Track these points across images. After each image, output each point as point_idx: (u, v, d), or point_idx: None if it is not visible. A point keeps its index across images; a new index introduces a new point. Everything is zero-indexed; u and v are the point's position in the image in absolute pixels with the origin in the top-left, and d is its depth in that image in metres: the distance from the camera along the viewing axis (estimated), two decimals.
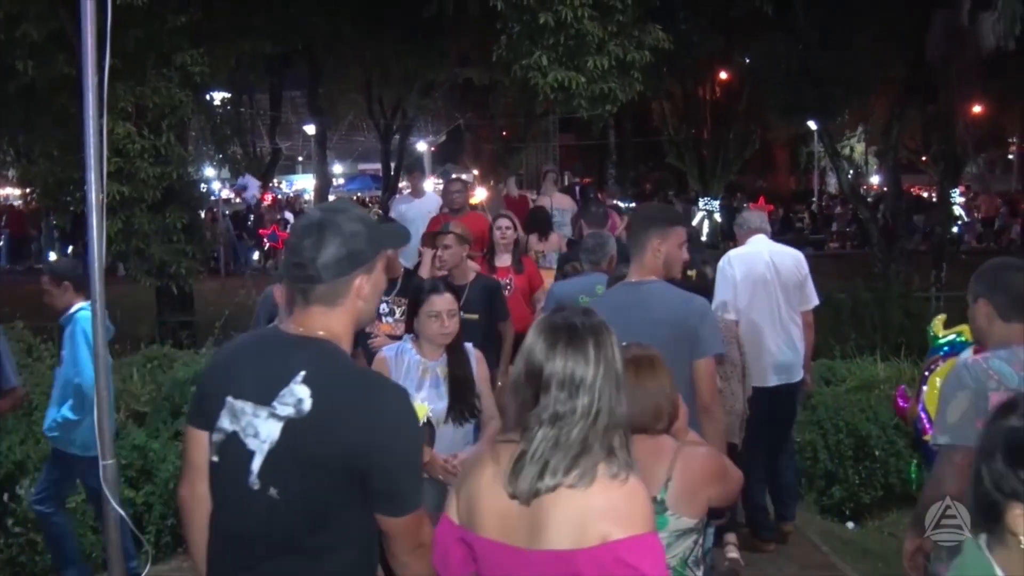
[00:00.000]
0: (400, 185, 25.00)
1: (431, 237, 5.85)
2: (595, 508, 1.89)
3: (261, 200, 28.74)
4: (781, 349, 5.26)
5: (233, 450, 2.16)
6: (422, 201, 8.60)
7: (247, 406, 2.16)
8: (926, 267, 13.94)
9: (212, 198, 22.10)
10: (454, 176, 8.00)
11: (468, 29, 13.90)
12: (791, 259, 5.43)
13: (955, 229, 24.41)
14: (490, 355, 4.61)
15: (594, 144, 28.68)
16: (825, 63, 13.41)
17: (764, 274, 5.24)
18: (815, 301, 5.46)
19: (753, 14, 11.62)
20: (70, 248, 23.24)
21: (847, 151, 29.28)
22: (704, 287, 4.73)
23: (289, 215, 25.51)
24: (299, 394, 2.10)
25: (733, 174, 28.21)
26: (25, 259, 24.12)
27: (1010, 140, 32.23)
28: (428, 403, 3.75)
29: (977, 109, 21.69)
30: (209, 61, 9.66)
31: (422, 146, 33.00)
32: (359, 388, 2.17)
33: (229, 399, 2.18)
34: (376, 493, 2.10)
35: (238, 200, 27.91)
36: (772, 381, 5.20)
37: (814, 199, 32.03)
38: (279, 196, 32.33)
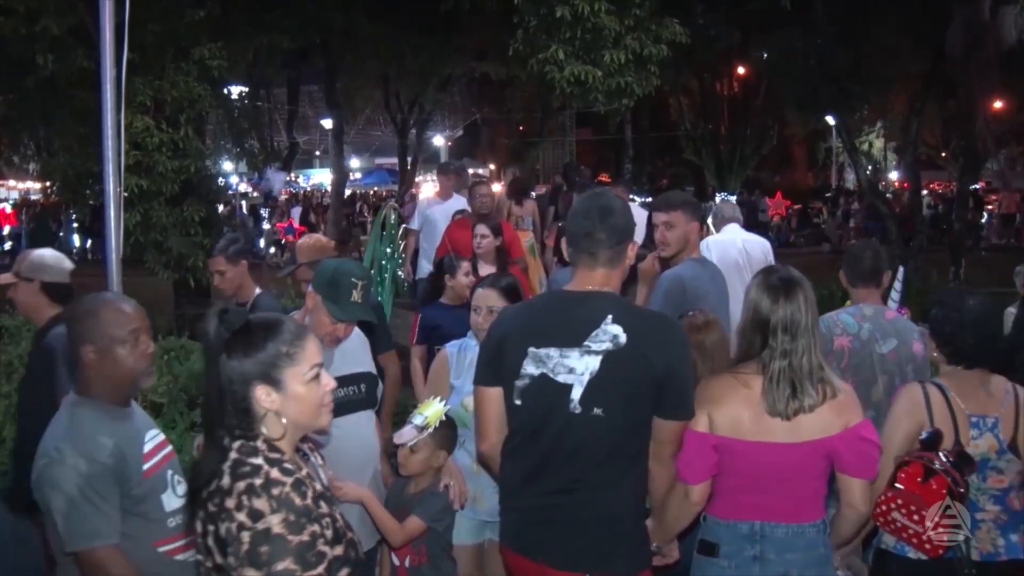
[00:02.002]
0: (417, 180, 25.11)
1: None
2: (836, 407, 2.74)
3: (283, 193, 28.89)
4: None
5: (545, 388, 2.68)
6: (446, 205, 8.43)
7: (551, 351, 2.67)
8: (945, 263, 13.84)
9: (230, 192, 22.19)
10: (481, 181, 7.78)
11: (484, 23, 13.91)
12: (760, 247, 6.10)
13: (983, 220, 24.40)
14: None
15: (611, 139, 28.63)
16: (843, 58, 13.34)
17: (737, 259, 5.80)
18: None
19: (771, 8, 11.54)
20: (90, 241, 23.43)
21: (866, 147, 29.13)
22: None
23: (297, 210, 25.66)
24: (613, 331, 2.64)
25: (750, 169, 28.13)
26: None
27: None
28: None
29: (998, 105, 21.52)
30: (227, 55, 9.67)
31: (439, 140, 33.06)
32: (657, 322, 2.78)
33: (531, 349, 2.70)
34: (671, 401, 2.67)
35: (255, 194, 28.04)
36: None
37: (830, 194, 31.81)
38: (294, 191, 32.47)
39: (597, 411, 2.63)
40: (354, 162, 34.71)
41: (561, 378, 2.66)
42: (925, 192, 27.77)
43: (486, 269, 5.92)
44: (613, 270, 2.74)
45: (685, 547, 3.01)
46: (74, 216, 21.13)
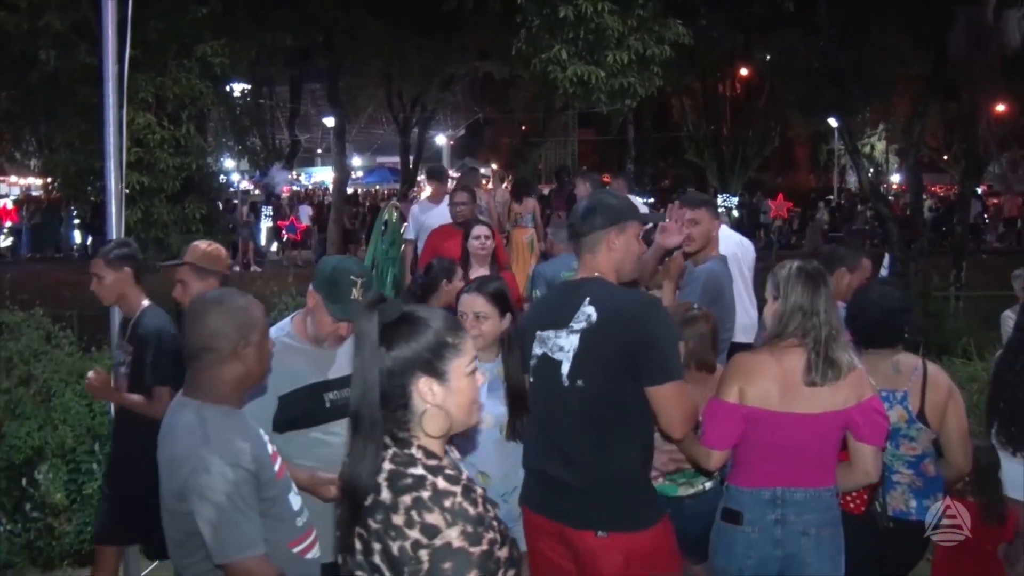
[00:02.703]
0: (420, 178, 25.09)
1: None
2: (855, 381, 3.05)
3: (283, 191, 28.90)
4: (747, 312, 5.97)
5: (545, 365, 3.05)
6: (441, 209, 8.36)
7: (550, 333, 3.05)
8: (946, 266, 13.83)
9: (231, 189, 22.17)
10: (460, 186, 7.41)
11: (488, 23, 13.90)
12: (749, 244, 6.44)
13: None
14: None
15: (613, 139, 28.63)
16: (845, 60, 13.30)
17: (736, 251, 5.97)
18: None
19: (774, 9, 11.53)
20: (91, 237, 23.44)
21: (867, 149, 29.10)
22: None
23: (306, 208, 25.62)
24: (588, 311, 2.96)
25: (752, 171, 28.09)
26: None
27: None
28: (488, 408, 3.51)
29: (1000, 108, 21.49)
30: (229, 52, 9.68)
31: (441, 140, 33.05)
32: (629, 300, 3.02)
33: (538, 332, 3.09)
34: (649, 369, 2.88)
35: (256, 191, 28.03)
36: (740, 338, 5.82)
37: (831, 196, 31.83)
38: (296, 188, 32.46)
39: (579, 382, 2.95)
40: (356, 160, 34.70)
41: (556, 356, 3.02)
42: (936, 197, 27.77)
43: (478, 271, 5.77)
44: (595, 256, 3.07)
45: (700, 523, 3.33)
46: (75, 212, 21.19)
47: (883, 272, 5.79)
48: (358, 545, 1.97)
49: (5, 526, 5.25)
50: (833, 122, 21.03)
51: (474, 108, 31.97)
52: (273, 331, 3.32)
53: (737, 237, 6.40)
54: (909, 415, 3.49)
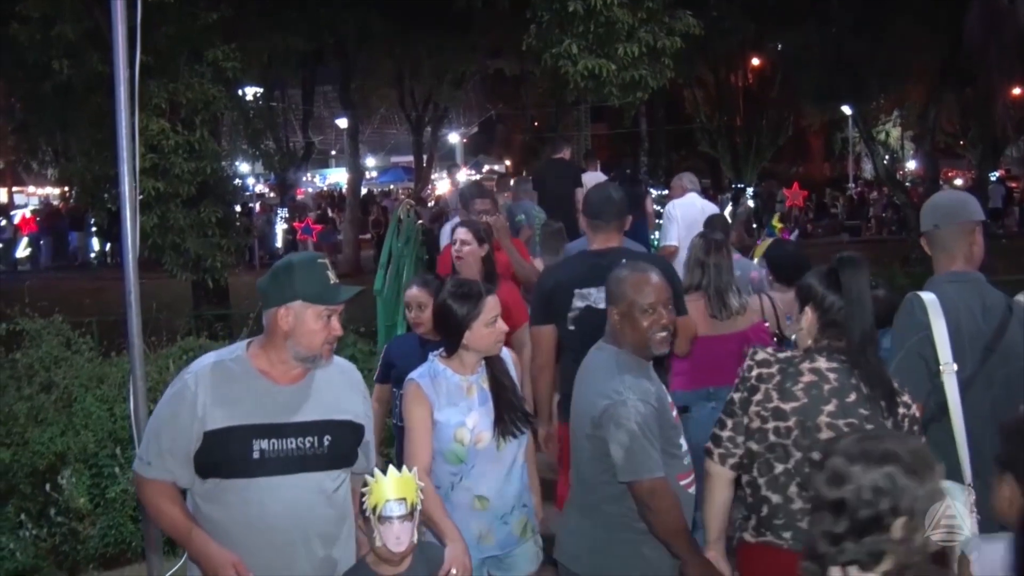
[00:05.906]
0: (433, 176, 25.11)
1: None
2: (749, 313, 4.67)
3: (297, 193, 29.00)
4: None
5: (590, 314, 3.85)
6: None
7: (591, 290, 3.88)
8: None
9: (246, 192, 22.24)
10: (478, 200, 6.61)
11: (498, 20, 13.90)
12: (715, 209, 7.48)
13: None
14: None
15: (626, 133, 28.53)
16: (859, 48, 13.23)
17: (697, 218, 6.93)
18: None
19: None
20: (109, 244, 23.58)
21: (882, 136, 28.90)
22: None
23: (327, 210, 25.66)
24: None
25: (766, 161, 27.94)
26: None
27: None
28: (479, 424, 3.29)
29: (1017, 91, 21.29)
30: (241, 56, 9.69)
31: (454, 138, 33.05)
32: (653, 257, 4.22)
33: (576, 290, 3.94)
34: (676, 303, 3.58)
35: (271, 195, 28.13)
36: None
37: (850, 185, 31.61)
38: (309, 190, 32.54)
39: None
40: (370, 161, 34.75)
41: (600, 306, 3.65)
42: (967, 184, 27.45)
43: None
44: (613, 234, 4.08)
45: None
46: (92, 220, 21.34)
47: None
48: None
49: (30, 531, 5.28)
50: (847, 110, 20.90)
51: (486, 105, 31.97)
52: (220, 354, 2.84)
53: (700, 204, 7.47)
54: None
